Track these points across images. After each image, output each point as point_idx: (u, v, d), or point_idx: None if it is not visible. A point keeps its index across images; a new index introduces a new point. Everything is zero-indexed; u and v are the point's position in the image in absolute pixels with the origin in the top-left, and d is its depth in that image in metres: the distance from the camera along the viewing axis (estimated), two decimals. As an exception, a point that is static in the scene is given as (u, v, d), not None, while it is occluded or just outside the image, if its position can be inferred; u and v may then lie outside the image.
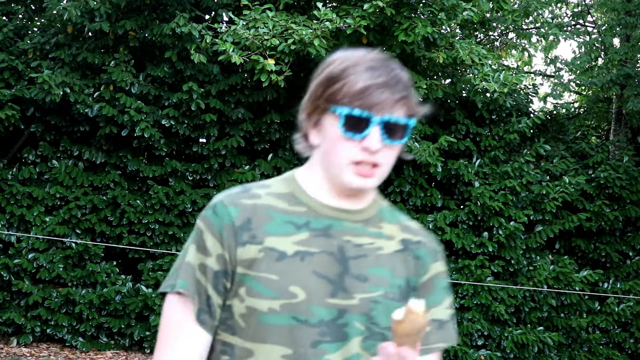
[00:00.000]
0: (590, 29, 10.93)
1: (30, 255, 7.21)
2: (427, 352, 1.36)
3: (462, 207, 8.02)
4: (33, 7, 7.98)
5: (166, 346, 1.27)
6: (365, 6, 6.66)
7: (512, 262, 7.84)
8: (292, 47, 6.53)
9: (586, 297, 8.00)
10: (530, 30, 10.52)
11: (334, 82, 1.26)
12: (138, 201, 7.42)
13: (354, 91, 1.23)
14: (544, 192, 7.85)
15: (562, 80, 10.29)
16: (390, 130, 1.25)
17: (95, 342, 7.34)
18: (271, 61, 6.55)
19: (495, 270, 7.79)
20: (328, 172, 1.31)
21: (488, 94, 7.73)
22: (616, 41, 9.70)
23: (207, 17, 7.83)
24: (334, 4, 7.82)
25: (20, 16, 7.86)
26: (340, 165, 1.27)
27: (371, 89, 1.23)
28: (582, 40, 10.18)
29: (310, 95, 1.31)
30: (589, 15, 11.15)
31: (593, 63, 9.85)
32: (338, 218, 1.31)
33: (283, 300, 1.23)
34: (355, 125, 1.23)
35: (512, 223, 7.76)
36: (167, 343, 1.27)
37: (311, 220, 1.30)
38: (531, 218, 7.98)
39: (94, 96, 7.38)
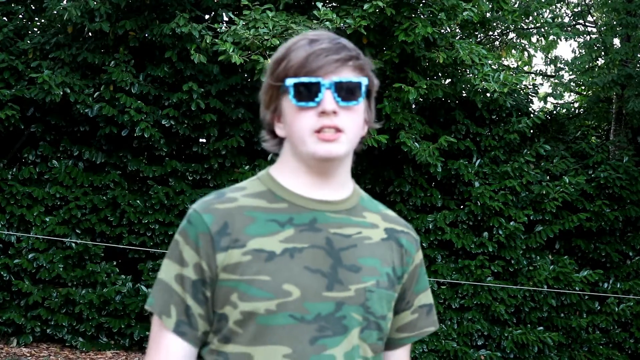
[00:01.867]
0: (590, 29, 10.93)
1: (30, 255, 7.21)
2: (417, 337, 1.42)
3: (462, 207, 8.02)
4: (33, 7, 7.98)
5: (149, 358, 1.28)
6: (365, 6, 6.66)
7: (512, 262, 7.84)
8: (292, 47, 6.52)
9: (586, 297, 8.00)
10: (530, 30, 10.51)
11: (280, 62, 1.27)
12: (138, 201, 7.42)
13: (298, 62, 1.24)
14: (544, 192, 7.85)
15: (562, 80, 10.28)
16: (344, 91, 1.24)
17: (95, 342, 7.34)
18: (271, 61, 6.54)
19: (495, 270, 7.79)
20: (296, 154, 1.29)
21: (488, 94, 7.72)
22: (617, 41, 9.70)
23: (207, 17, 7.84)
24: (334, 4, 7.82)
25: (20, 16, 7.87)
26: (303, 138, 1.25)
27: (314, 55, 1.23)
28: (582, 40, 10.18)
29: (264, 87, 1.32)
30: (590, 15, 11.15)
31: (594, 63, 9.85)
32: (321, 210, 1.29)
33: (278, 300, 1.21)
34: (307, 93, 1.23)
35: (512, 223, 7.76)
36: (150, 355, 1.27)
37: (294, 216, 1.27)
38: (531, 218, 7.98)
39: (94, 96, 7.38)
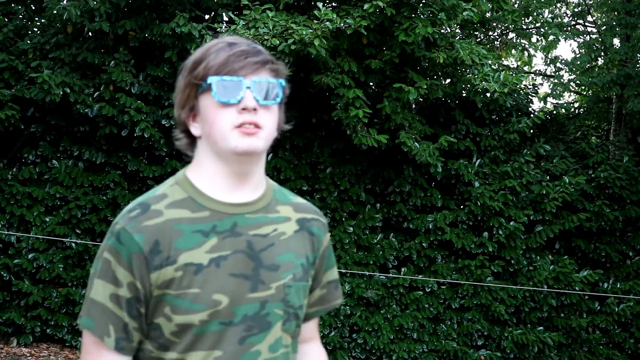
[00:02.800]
0: (590, 29, 10.93)
1: (30, 255, 7.21)
2: (327, 310, 1.57)
3: (462, 207, 8.02)
4: (33, 7, 7.98)
5: None
6: (365, 6, 6.66)
7: (512, 262, 7.84)
8: (292, 47, 6.53)
9: (586, 297, 8.00)
10: (530, 30, 10.51)
11: (199, 63, 1.35)
12: (138, 201, 7.41)
13: (220, 62, 1.32)
14: (544, 192, 7.85)
15: (562, 80, 10.28)
16: (263, 91, 1.32)
17: (95, 342, 7.33)
18: (271, 61, 6.54)
19: (495, 270, 7.79)
20: (216, 151, 1.35)
21: (488, 94, 7.73)
22: (616, 41, 9.70)
23: (207, 17, 7.83)
24: (334, 4, 7.82)
25: (20, 16, 7.86)
26: (224, 134, 1.31)
27: (234, 56, 1.32)
28: (582, 40, 10.18)
29: (178, 88, 1.42)
30: (589, 15, 11.15)
31: (593, 63, 9.85)
32: (240, 213, 1.36)
33: (210, 310, 1.29)
34: (229, 91, 1.30)
35: (512, 223, 7.76)
36: None
37: (217, 224, 1.33)
38: (531, 218, 7.98)
39: (94, 96, 7.38)
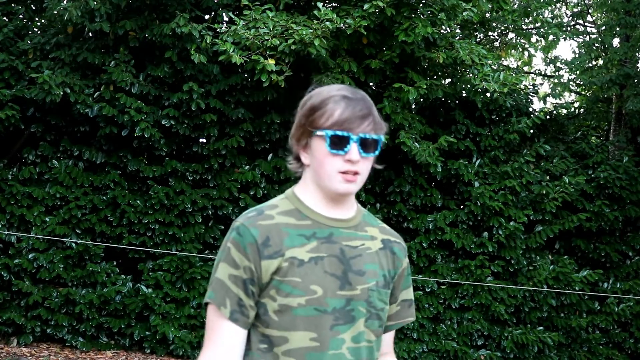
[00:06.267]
0: (590, 29, 10.94)
1: (30, 255, 7.21)
2: (399, 325, 1.81)
3: (462, 207, 8.02)
4: (33, 7, 7.98)
5: (209, 342, 1.61)
6: (365, 6, 6.66)
7: (512, 262, 7.84)
8: (293, 47, 6.53)
9: (586, 297, 8.01)
10: (530, 30, 10.51)
11: (316, 110, 1.63)
12: (138, 201, 7.42)
13: (335, 117, 1.60)
14: (544, 192, 7.86)
15: (562, 80, 10.29)
16: (365, 145, 1.61)
17: (95, 342, 7.34)
18: (271, 61, 6.56)
19: (495, 270, 7.79)
20: (319, 184, 1.66)
21: (488, 94, 7.73)
22: (616, 41, 9.70)
23: (207, 17, 7.83)
24: (334, 4, 7.82)
25: (20, 16, 7.86)
26: (330, 176, 1.62)
27: (346, 113, 1.60)
28: (581, 40, 10.19)
29: (297, 124, 1.68)
30: (589, 15, 11.15)
31: (593, 63, 9.86)
32: (336, 227, 1.67)
33: (307, 297, 1.58)
34: (338, 143, 1.60)
35: (512, 223, 7.77)
36: (209, 339, 1.62)
37: (317, 231, 1.65)
38: (531, 218, 7.98)
39: (94, 96, 7.38)
